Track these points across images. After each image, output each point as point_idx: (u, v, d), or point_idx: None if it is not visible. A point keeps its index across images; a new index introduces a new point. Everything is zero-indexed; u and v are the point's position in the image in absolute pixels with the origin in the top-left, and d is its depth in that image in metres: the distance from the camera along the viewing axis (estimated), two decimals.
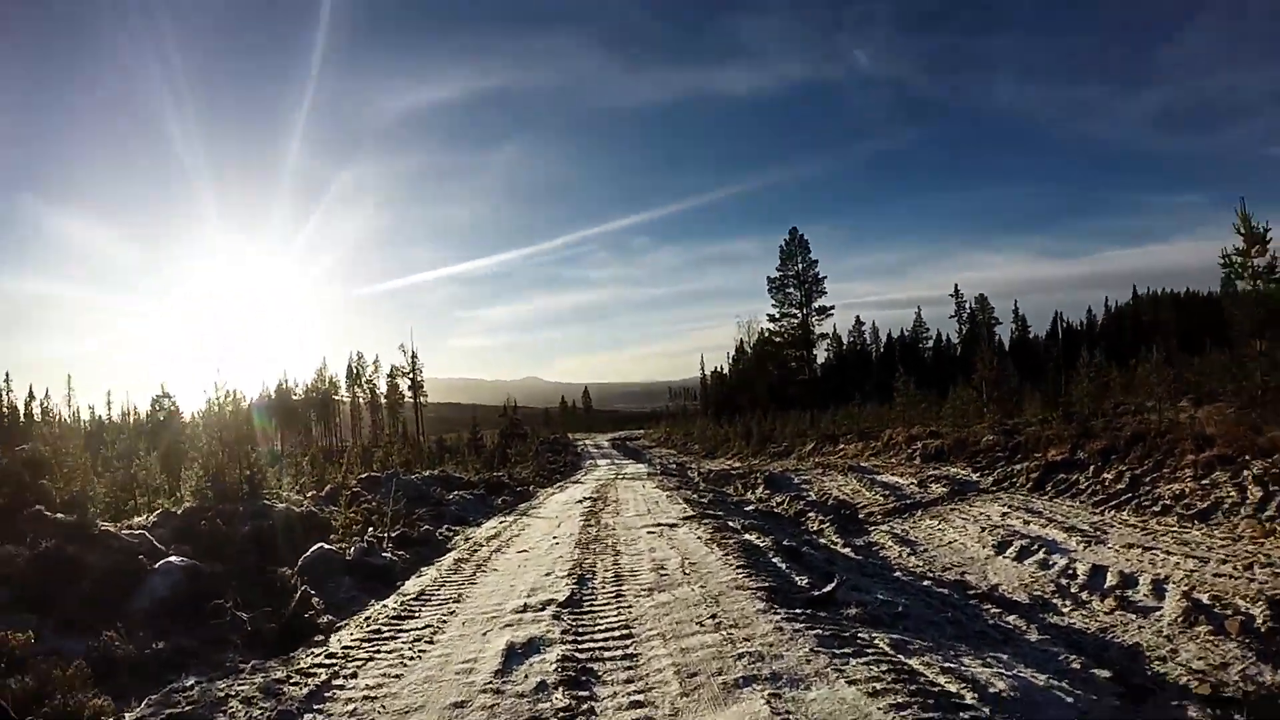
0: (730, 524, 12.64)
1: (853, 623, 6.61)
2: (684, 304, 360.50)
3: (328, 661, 6.55)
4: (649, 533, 11.99)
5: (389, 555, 12.18)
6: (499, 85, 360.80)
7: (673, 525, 12.75)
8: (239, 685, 5.91)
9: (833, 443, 34.35)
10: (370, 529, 13.86)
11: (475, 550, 12.19)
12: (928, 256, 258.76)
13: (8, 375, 72.18)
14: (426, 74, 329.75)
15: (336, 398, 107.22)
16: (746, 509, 16.65)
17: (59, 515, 10.27)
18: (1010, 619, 8.50)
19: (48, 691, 5.82)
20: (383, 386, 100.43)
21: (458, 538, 14.51)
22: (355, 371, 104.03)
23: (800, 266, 59.18)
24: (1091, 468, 16.55)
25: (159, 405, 18.65)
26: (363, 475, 21.09)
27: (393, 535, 13.53)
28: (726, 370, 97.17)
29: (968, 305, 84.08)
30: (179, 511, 13.42)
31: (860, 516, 16.15)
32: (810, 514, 16.16)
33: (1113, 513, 14.00)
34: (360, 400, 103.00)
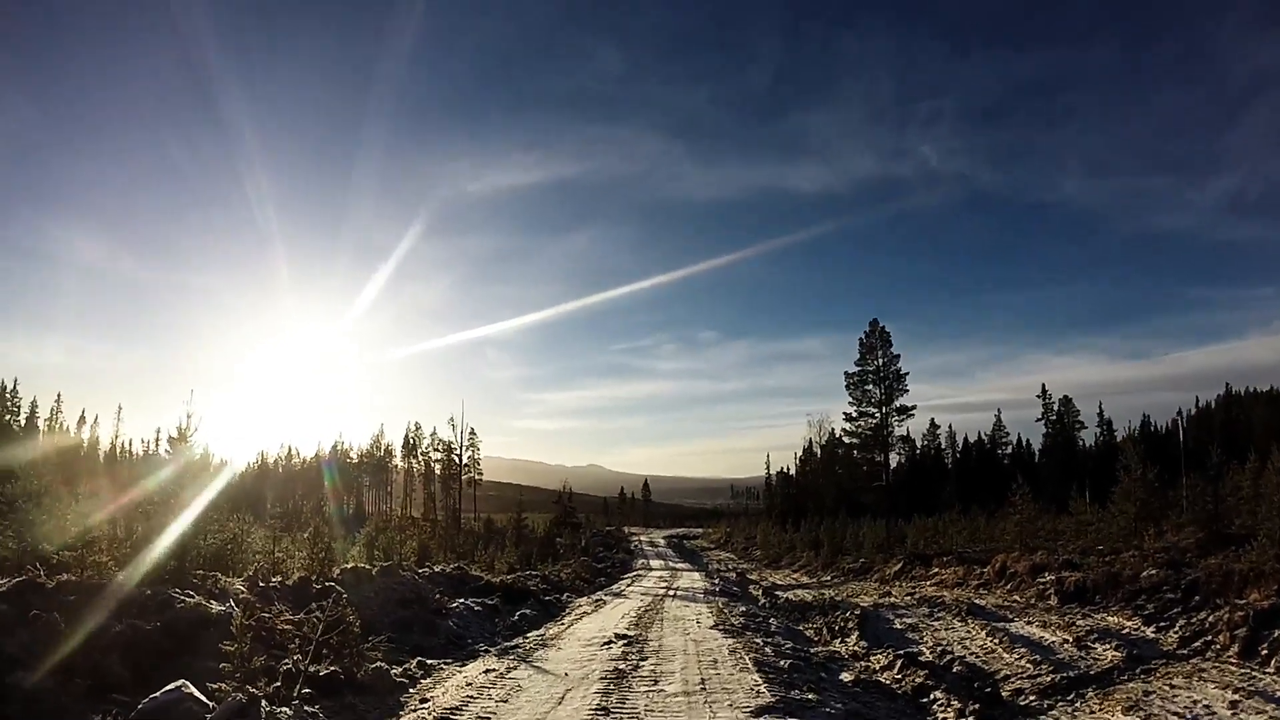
0: None
1: None
2: (750, 400, 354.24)
3: None
4: None
5: (287, 715, 7.68)
6: (570, 174, 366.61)
7: None
8: None
9: (924, 565, 29.11)
10: (300, 657, 9.39)
11: None
12: (998, 358, 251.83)
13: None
14: (499, 159, 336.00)
15: (392, 465, 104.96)
16: (842, 679, 11.35)
17: None
18: None
19: None
20: (439, 461, 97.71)
21: (414, 690, 9.86)
22: (411, 442, 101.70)
23: (881, 361, 54.17)
24: None
25: (170, 441, 14.80)
26: (349, 567, 16.67)
27: (319, 673, 9.03)
28: (793, 471, 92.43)
29: (1054, 407, 78.19)
30: (51, 584, 9.39)
31: (1005, 696, 11.15)
32: (936, 692, 10.95)
33: None
34: (415, 471, 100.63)
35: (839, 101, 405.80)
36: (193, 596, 10.67)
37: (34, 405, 74.67)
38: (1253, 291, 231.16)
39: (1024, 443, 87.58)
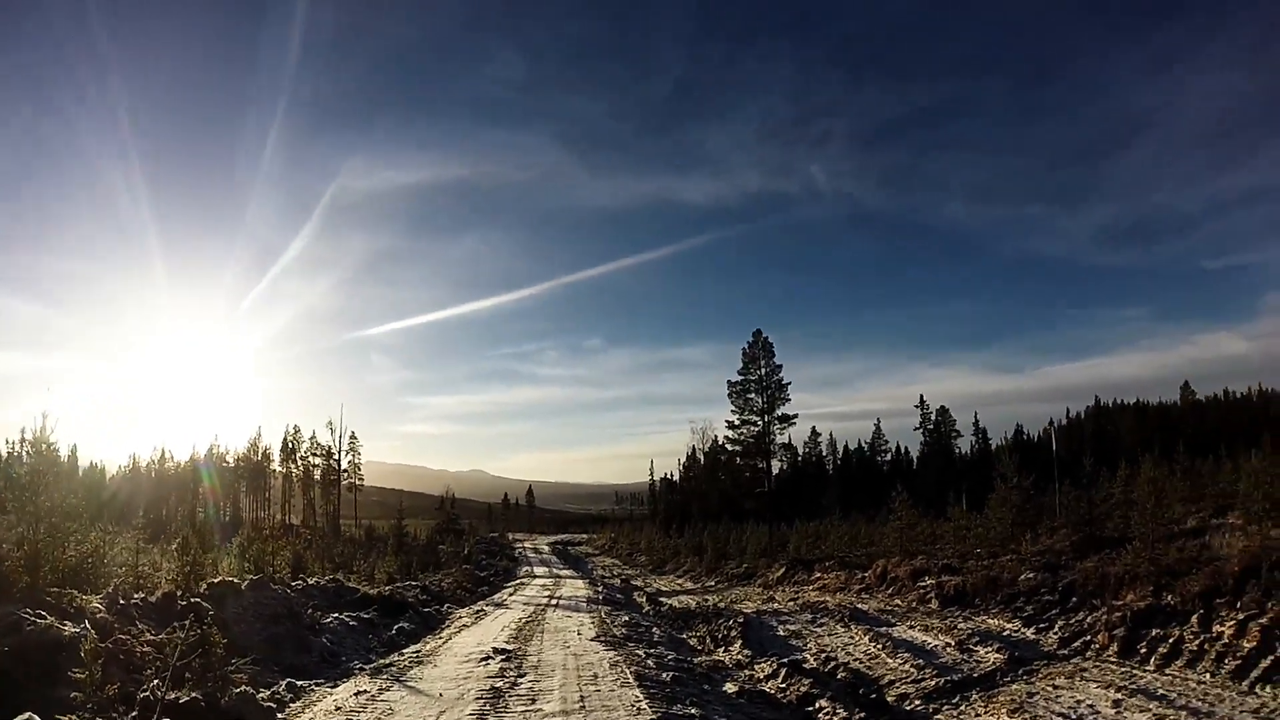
0: None
1: None
2: (635, 407, 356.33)
3: None
4: None
5: None
6: (462, 176, 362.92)
7: None
8: None
9: (807, 570, 29.43)
10: (158, 683, 8.77)
11: None
12: (877, 369, 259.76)
13: None
14: (391, 158, 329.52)
15: (271, 469, 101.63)
16: (726, 690, 11.08)
17: None
18: None
19: None
20: (318, 466, 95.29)
21: (282, 715, 9.31)
22: (290, 446, 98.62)
23: (764, 371, 54.85)
24: (1194, 618, 11.95)
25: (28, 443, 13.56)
26: (217, 581, 15.84)
27: (179, 700, 8.46)
28: (677, 477, 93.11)
29: (932, 416, 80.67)
30: None
31: (890, 702, 11.20)
32: (821, 700, 10.84)
33: (1272, 690, 9.56)
34: (295, 476, 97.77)
35: (734, 117, 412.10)
36: (45, 617, 9.94)
37: None
38: (1121, 313, 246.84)
39: (903, 450, 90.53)
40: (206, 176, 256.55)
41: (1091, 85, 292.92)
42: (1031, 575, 17.33)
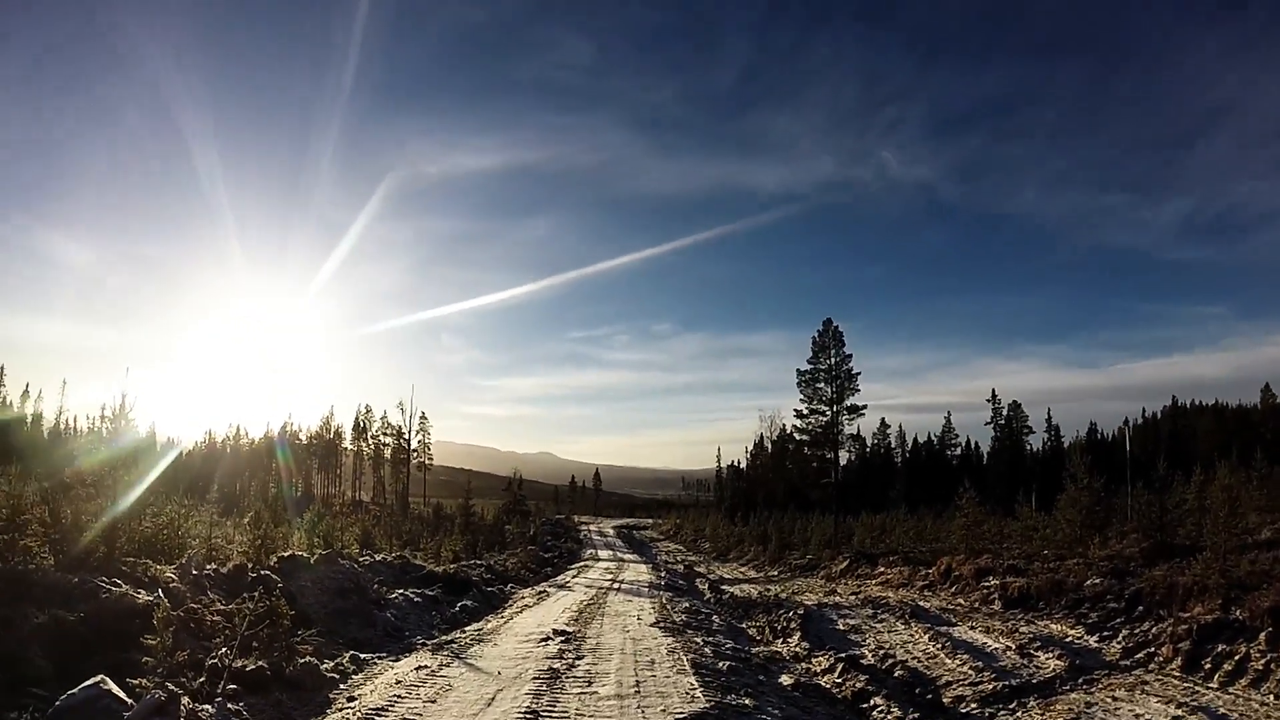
0: None
1: None
2: (704, 393, 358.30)
3: None
4: None
5: (209, 713, 7.39)
6: (532, 161, 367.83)
7: None
8: None
9: (871, 564, 29.15)
10: (226, 651, 9.03)
11: None
12: (949, 361, 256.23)
13: None
14: (462, 143, 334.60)
15: (342, 447, 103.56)
16: (782, 682, 11.10)
17: None
18: None
19: None
20: (388, 445, 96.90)
21: (344, 686, 9.57)
22: (362, 425, 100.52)
23: (833, 360, 54.24)
24: (1262, 636, 11.49)
25: (109, 419, 14.09)
26: (287, 554, 16.22)
27: (245, 668, 8.73)
28: (744, 465, 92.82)
29: (1004, 411, 79.09)
30: None
31: (946, 703, 11.08)
32: (876, 698, 10.82)
33: None
34: (365, 454, 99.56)
35: (804, 103, 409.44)
36: (120, 585, 10.28)
37: None
38: (1201, 309, 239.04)
39: (973, 445, 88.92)
40: (279, 158, 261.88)
41: (1170, 71, 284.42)
42: (1098, 581, 16.93)
